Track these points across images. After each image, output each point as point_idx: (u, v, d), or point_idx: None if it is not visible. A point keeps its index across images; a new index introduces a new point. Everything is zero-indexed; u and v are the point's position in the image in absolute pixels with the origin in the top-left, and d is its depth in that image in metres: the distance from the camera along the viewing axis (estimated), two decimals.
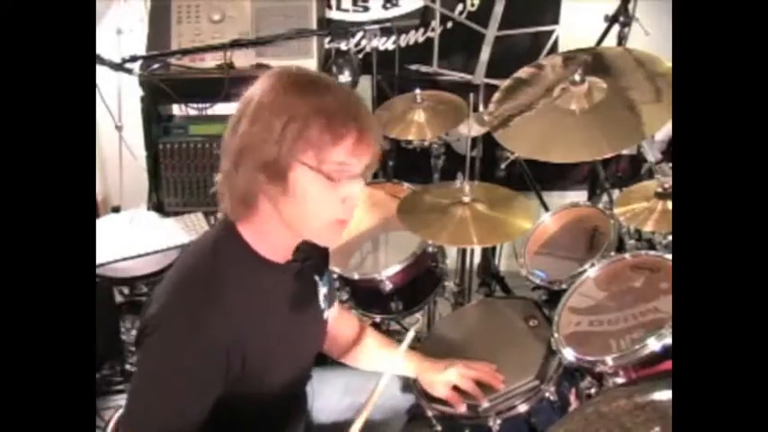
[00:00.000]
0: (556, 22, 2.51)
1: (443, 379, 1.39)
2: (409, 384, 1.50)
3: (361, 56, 2.53)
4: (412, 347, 1.36)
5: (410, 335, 1.26)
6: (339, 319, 1.45)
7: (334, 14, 2.62)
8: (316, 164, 0.99)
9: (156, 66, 2.22)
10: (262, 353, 1.08)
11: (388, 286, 1.79)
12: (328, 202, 1.03)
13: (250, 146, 0.98)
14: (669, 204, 1.50)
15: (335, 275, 1.83)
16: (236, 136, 1.00)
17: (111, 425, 1.30)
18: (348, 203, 1.05)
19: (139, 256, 1.90)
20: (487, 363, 1.42)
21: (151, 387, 1.02)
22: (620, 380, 1.29)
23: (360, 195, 1.06)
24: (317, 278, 1.24)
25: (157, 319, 1.01)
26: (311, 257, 1.17)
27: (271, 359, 1.11)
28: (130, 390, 1.05)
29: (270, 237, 1.08)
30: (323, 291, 1.26)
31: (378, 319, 1.89)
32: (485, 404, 1.37)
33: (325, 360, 1.53)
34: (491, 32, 2.12)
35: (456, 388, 1.38)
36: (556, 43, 2.27)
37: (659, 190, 1.53)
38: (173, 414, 1.01)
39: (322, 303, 1.26)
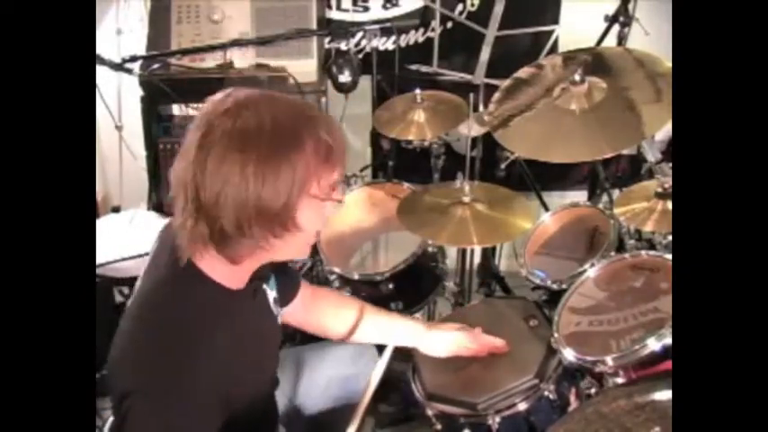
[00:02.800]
0: (556, 22, 2.50)
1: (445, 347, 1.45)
2: (407, 382, 1.51)
3: (361, 56, 2.53)
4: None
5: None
6: (320, 301, 1.46)
7: (334, 14, 2.61)
8: (319, 193, 0.98)
9: (156, 66, 2.22)
10: (241, 383, 1.06)
11: (388, 286, 1.79)
12: (321, 222, 1.04)
13: (262, 203, 0.93)
14: (669, 204, 1.50)
15: (335, 276, 1.83)
16: (239, 191, 0.92)
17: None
18: (332, 213, 1.06)
19: (139, 256, 1.90)
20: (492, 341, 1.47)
21: None
22: (620, 380, 1.29)
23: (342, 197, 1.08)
24: (265, 287, 1.20)
25: (141, 384, 0.95)
26: (258, 271, 1.13)
27: (246, 384, 1.09)
28: None
29: (240, 268, 1.04)
30: (272, 296, 1.23)
31: None
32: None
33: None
34: (491, 32, 2.12)
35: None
36: (556, 43, 2.27)
37: (659, 190, 1.53)
38: None
39: (273, 309, 1.23)
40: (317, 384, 1.47)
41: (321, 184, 0.98)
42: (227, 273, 1.03)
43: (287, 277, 1.33)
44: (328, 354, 1.51)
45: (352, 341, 1.45)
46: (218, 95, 0.99)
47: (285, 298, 1.32)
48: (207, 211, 0.94)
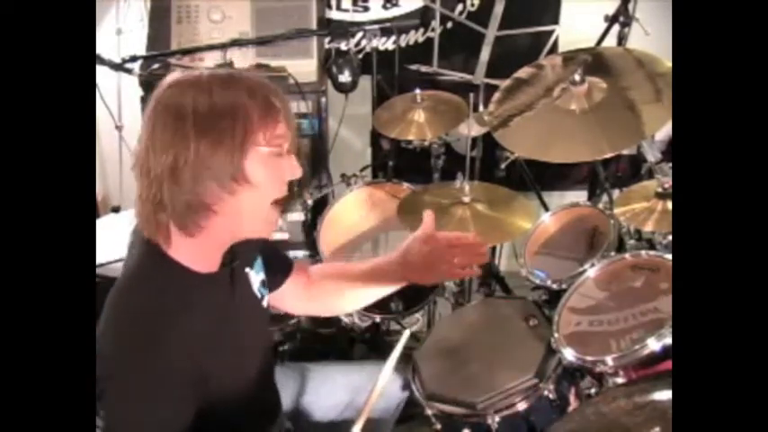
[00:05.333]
0: (556, 22, 2.50)
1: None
2: (407, 382, 1.50)
3: (361, 56, 2.53)
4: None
5: (405, 335, 1.26)
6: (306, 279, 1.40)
7: (334, 14, 2.62)
8: (266, 143, 1.01)
9: (156, 66, 2.21)
10: (218, 367, 1.06)
11: None
12: (276, 181, 1.05)
13: (203, 161, 0.97)
14: (669, 204, 1.50)
15: None
16: (183, 153, 0.97)
17: None
18: (288, 178, 1.07)
19: None
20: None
21: None
22: (620, 380, 1.29)
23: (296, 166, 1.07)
24: (247, 270, 1.22)
25: (107, 373, 0.96)
26: (238, 255, 1.15)
27: (228, 369, 1.09)
28: None
29: (208, 249, 1.07)
30: (258, 279, 1.24)
31: (378, 319, 1.89)
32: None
33: (324, 356, 1.52)
34: (491, 32, 2.12)
35: None
36: (556, 43, 2.27)
37: (659, 190, 1.53)
38: None
39: (258, 293, 1.24)
40: (321, 403, 1.46)
41: (267, 136, 1.01)
42: (193, 254, 1.05)
43: (276, 260, 1.33)
44: (333, 374, 1.50)
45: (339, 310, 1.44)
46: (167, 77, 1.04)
47: (275, 280, 1.32)
48: (160, 178, 0.99)
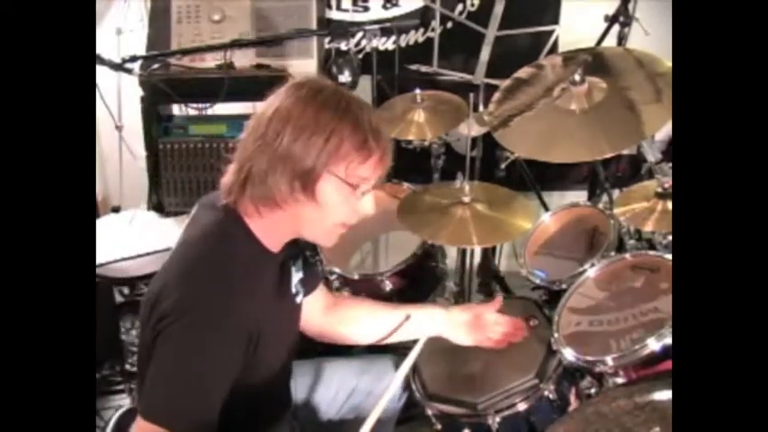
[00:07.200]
0: (556, 22, 2.50)
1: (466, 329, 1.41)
2: (407, 382, 1.50)
3: (361, 56, 2.53)
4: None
5: (422, 340, 1.27)
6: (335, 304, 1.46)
7: (334, 14, 2.62)
8: (344, 176, 1.09)
9: (156, 66, 2.22)
10: (266, 339, 1.12)
11: (388, 286, 1.79)
12: (344, 209, 1.13)
13: (290, 157, 1.06)
14: (669, 204, 1.50)
15: (335, 276, 1.83)
16: (273, 143, 1.06)
17: (111, 425, 1.29)
18: (359, 211, 1.15)
19: (139, 256, 1.90)
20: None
21: (178, 375, 1.02)
22: (620, 380, 1.29)
23: (371, 204, 1.16)
24: (290, 265, 1.29)
25: (181, 307, 1.02)
26: (289, 247, 1.24)
27: (271, 345, 1.15)
28: (153, 380, 1.04)
29: (277, 231, 1.16)
30: (296, 277, 1.30)
31: None
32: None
33: (323, 354, 1.53)
34: (491, 32, 2.12)
35: None
36: (556, 43, 2.27)
37: (659, 190, 1.53)
38: (199, 402, 1.02)
39: (294, 289, 1.30)
40: (328, 394, 1.47)
41: (349, 169, 1.09)
42: (269, 236, 1.15)
43: (311, 268, 1.40)
44: (341, 365, 1.51)
45: (373, 344, 1.46)
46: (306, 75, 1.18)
47: (308, 285, 1.37)
48: (247, 156, 1.09)
